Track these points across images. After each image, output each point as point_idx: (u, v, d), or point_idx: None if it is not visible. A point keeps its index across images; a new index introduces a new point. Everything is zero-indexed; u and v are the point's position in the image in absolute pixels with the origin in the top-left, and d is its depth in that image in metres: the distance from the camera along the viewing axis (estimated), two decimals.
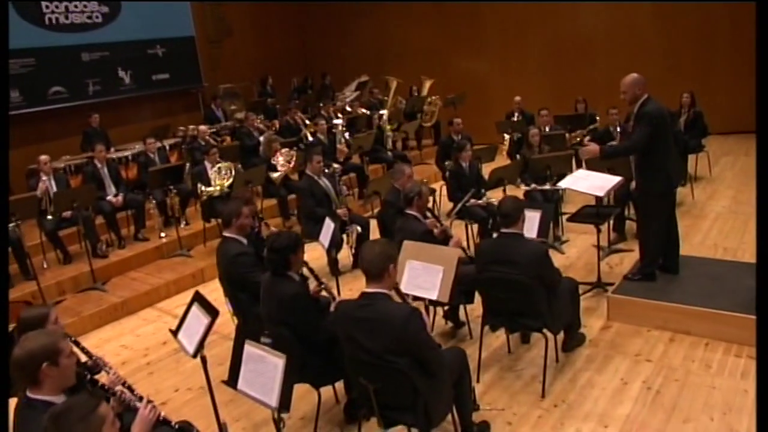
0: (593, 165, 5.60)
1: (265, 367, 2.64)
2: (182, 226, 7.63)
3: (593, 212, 5.54)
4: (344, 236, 6.19)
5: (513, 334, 4.46)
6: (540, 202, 6.08)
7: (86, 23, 10.49)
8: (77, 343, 3.03)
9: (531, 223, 4.35)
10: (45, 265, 6.75)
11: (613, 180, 5.07)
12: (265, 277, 3.55)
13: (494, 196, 6.23)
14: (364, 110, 10.96)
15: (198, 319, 3.39)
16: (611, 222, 6.28)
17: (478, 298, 4.28)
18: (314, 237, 5.36)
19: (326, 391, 3.97)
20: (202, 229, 7.48)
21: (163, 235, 7.49)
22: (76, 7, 10.35)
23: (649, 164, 4.65)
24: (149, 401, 2.50)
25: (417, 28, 13.10)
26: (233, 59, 13.14)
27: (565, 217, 6.56)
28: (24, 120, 9.45)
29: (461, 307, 4.75)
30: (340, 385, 3.84)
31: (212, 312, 3.34)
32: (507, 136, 9.14)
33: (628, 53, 10.81)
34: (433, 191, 6.76)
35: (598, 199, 5.44)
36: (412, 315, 2.81)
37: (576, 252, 6.40)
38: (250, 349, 2.74)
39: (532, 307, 3.75)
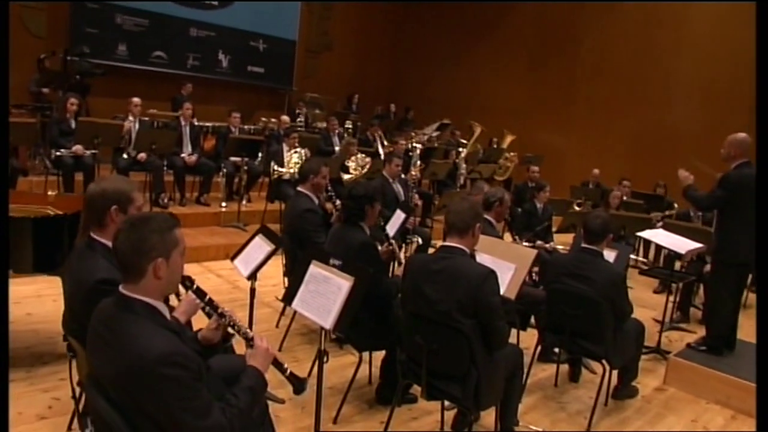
0: (674, 230, 5.39)
1: (327, 287, 2.52)
2: (244, 202, 7.68)
3: (667, 272, 5.26)
4: (403, 245, 6.08)
5: (564, 363, 4.20)
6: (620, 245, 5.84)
7: (202, 2, 11.04)
8: None
9: None
10: None
11: (694, 244, 4.84)
12: (335, 227, 3.46)
13: (561, 242, 6.06)
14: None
15: (260, 247, 3.34)
16: (677, 299, 5.99)
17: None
18: (382, 237, 5.27)
19: (361, 370, 3.81)
20: (262, 210, 7.49)
21: (224, 205, 7.55)
22: None
23: (724, 230, 4.47)
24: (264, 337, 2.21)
25: (507, 85, 13.22)
26: (326, 72, 13.49)
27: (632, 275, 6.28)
28: (122, 73, 9.89)
29: (512, 330, 4.52)
30: (375, 369, 3.69)
31: (276, 241, 3.28)
32: (577, 207, 8.96)
33: (716, 150, 10.52)
34: None
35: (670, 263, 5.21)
36: (490, 275, 2.66)
37: None
38: (315, 269, 2.63)
39: (597, 330, 3.51)
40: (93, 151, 6.34)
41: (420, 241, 6.14)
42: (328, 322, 2.43)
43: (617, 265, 4.38)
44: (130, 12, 10.01)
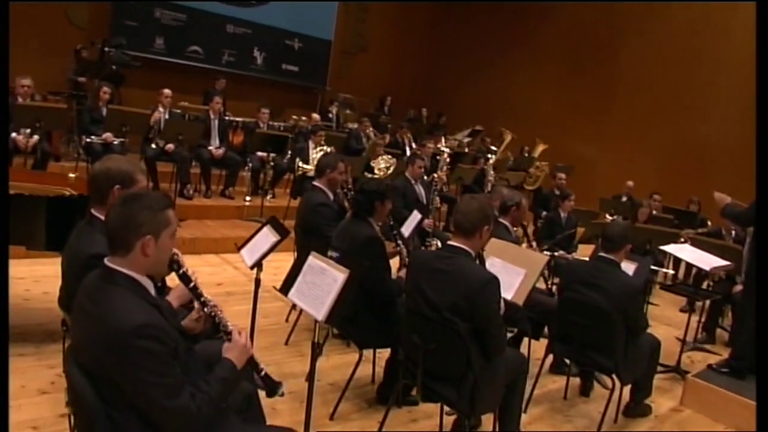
0: (702, 246, 5.20)
1: (323, 279, 2.48)
2: (268, 197, 7.72)
3: (691, 290, 5.08)
4: (423, 248, 6.02)
5: (576, 376, 4.08)
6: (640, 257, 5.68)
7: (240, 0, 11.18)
8: None
9: None
10: None
11: (721, 261, 4.65)
12: (344, 221, 3.43)
13: (585, 253, 5.92)
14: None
15: (266, 237, 3.33)
16: (703, 319, 5.78)
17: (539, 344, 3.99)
18: (391, 236, 5.23)
19: (364, 369, 3.77)
20: (285, 206, 7.51)
21: (248, 199, 7.60)
22: None
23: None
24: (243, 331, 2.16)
25: (542, 93, 13.04)
26: (360, 73, 13.53)
27: (656, 291, 6.12)
28: (158, 66, 10.10)
29: (525, 340, 4.42)
30: (379, 368, 3.64)
31: (283, 233, 3.26)
32: (609, 217, 8.75)
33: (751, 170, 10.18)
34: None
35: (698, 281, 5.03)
36: (491, 281, 2.58)
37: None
38: (313, 261, 2.59)
39: (608, 342, 3.39)
40: (122, 140, 6.46)
41: (439, 244, 6.08)
42: (320, 314, 2.40)
43: (636, 278, 4.25)
44: (169, 7, 10.23)
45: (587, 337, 3.45)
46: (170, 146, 6.84)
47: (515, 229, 4.47)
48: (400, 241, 3.56)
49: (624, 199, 9.42)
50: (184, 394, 1.71)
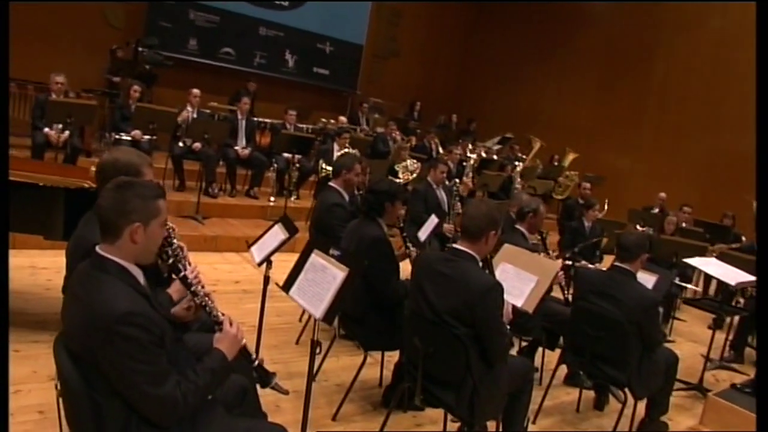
0: (730, 260, 5.04)
1: (323, 277, 2.46)
2: (292, 198, 7.76)
3: (715, 305, 4.91)
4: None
5: (589, 388, 3.98)
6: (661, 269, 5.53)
7: (273, 2, 11.36)
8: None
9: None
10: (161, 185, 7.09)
11: (747, 276, 4.49)
12: (354, 221, 3.41)
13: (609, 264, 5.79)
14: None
15: (276, 235, 3.34)
16: (731, 337, 5.58)
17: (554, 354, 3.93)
18: (412, 240, 5.19)
19: (374, 371, 3.75)
20: (309, 207, 7.54)
21: (272, 200, 7.65)
22: None
23: None
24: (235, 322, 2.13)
25: (574, 103, 12.86)
26: (391, 78, 13.55)
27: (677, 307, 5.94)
28: (191, 66, 10.29)
29: (539, 349, 4.33)
30: (388, 371, 3.61)
31: (292, 230, 3.27)
32: (639, 228, 8.55)
33: None
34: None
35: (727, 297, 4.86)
36: (494, 288, 2.52)
37: (679, 354, 5.67)
38: (315, 258, 2.58)
39: (620, 355, 3.30)
40: (151, 137, 6.59)
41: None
42: (318, 312, 2.38)
43: (656, 291, 4.13)
44: (203, 9, 10.41)
45: (599, 349, 3.36)
46: (197, 145, 6.93)
47: (533, 236, 4.39)
48: (409, 243, 3.52)
49: (656, 210, 9.21)
50: (170, 383, 1.71)
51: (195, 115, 7.23)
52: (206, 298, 2.04)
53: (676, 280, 5.78)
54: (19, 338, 3.49)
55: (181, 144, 6.97)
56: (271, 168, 7.80)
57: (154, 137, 6.63)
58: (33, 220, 3.53)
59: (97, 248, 1.80)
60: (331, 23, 12.05)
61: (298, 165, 7.65)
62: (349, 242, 3.31)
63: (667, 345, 5.81)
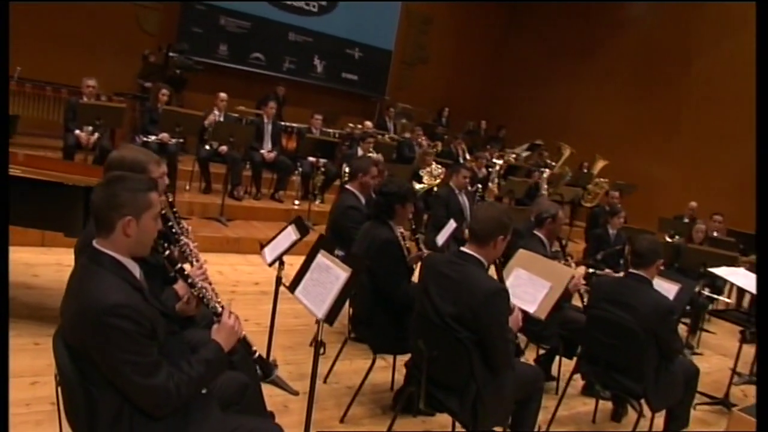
0: None
1: (327, 277, 2.47)
2: (317, 202, 7.80)
3: (743, 317, 4.76)
4: None
5: (606, 399, 3.89)
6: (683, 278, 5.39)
7: (303, 8, 11.51)
8: (172, 205, 3.06)
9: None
10: (188, 188, 7.25)
11: None
12: (366, 223, 3.41)
13: None
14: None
15: (288, 236, 3.36)
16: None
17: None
18: (434, 246, 5.17)
19: (386, 375, 3.73)
20: None
21: (297, 203, 7.71)
22: None
23: None
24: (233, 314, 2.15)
25: (607, 109, 12.63)
26: (420, 84, 13.55)
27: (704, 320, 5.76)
28: (221, 71, 10.49)
29: (557, 358, 4.25)
30: (400, 375, 3.59)
31: (304, 231, 3.28)
32: (668, 238, 8.34)
33: None
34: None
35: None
36: (499, 293, 2.48)
37: (707, 368, 5.55)
38: (321, 259, 2.59)
39: (635, 365, 3.21)
40: (179, 140, 6.71)
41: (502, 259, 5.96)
42: (321, 312, 2.38)
43: (677, 300, 4.02)
44: (234, 15, 10.60)
45: (614, 358, 3.28)
46: (223, 148, 7.03)
47: (553, 242, 4.32)
48: (422, 245, 3.50)
49: (687, 220, 8.98)
50: (161, 374, 1.73)
51: (222, 119, 7.33)
52: (204, 291, 2.06)
53: (706, 291, 5.62)
54: (41, 332, 3.57)
55: (207, 147, 7.08)
56: (296, 172, 7.86)
57: (182, 140, 6.75)
58: (57, 217, 3.63)
59: (94, 242, 1.83)
60: (361, 29, 12.13)
61: (323, 169, 7.71)
62: (361, 245, 3.30)
63: (694, 357, 5.73)
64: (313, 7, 11.57)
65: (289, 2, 11.25)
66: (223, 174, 7.31)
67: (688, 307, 5.99)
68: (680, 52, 11.71)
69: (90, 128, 6.09)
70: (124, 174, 1.93)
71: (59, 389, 1.85)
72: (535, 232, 4.25)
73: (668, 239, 8.26)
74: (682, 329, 6.07)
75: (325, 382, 3.70)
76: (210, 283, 2.62)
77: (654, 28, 12.22)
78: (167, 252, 2.03)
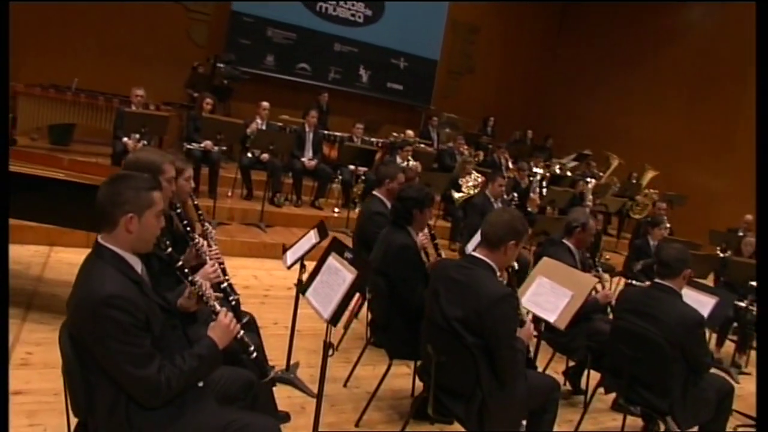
0: None
1: (336, 279, 2.49)
2: (356, 210, 7.85)
3: None
4: None
5: (637, 415, 3.75)
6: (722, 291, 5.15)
7: (348, 19, 11.68)
8: (197, 207, 3.16)
9: (700, 309, 3.63)
10: (230, 194, 7.44)
11: None
12: (385, 229, 3.42)
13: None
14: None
15: (308, 240, 3.40)
16: None
17: None
18: (460, 253, 5.15)
19: (408, 381, 3.72)
20: None
21: (336, 210, 7.80)
22: (346, 3, 11.61)
23: None
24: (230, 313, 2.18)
25: (659, 119, 12.24)
26: (466, 94, 13.50)
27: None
28: (268, 82, 10.76)
29: (586, 371, 4.14)
30: (420, 382, 3.58)
31: (323, 235, 3.32)
32: (721, 254, 7.99)
33: None
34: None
35: None
36: (506, 298, 2.45)
37: (753, 387, 5.29)
38: (331, 261, 2.62)
39: (660, 380, 3.09)
40: (222, 147, 6.91)
41: (516, 265, 5.85)
42: (326, 313, 2.41)
43: (715, 315, 3.85)
44: (281, 26, 10.86)
45: (638, 372, 3.17)
46: (265, 156, 7.19)
47: (581, 251, 4.22)
48: (441, 252, 3.49)
49: (741, 233, 8.59)
50: (152, 365, 1.80)
51: (264, 127, 7.51)
52: (201, 288, 2.11)
53: (753, 307, 5.36)
54: None
55: (249, 155, 7.26)
56: (336, 180, 7.95)
57: (224, 147, 6.95)
58: (87, 217, 3.78)
59: (98, 237, 1.92)
60: (406, 39, 12.20)
61: (363, 177, 7.76)
62: (379, 250, 3.32)
63: (742, 377, 5.46)
64: (359, 17, 11.73)
65: (334, 13, 11.45)
66: (265, 181, 7.49)
67: (734, 324, 5.75)
68: (738, 59, 11.23)
69: (137, 136, 6.34)
70: (128, 173, 2.02)
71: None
72: (564, 240, 4.17)
73: (719, 253, 7.94)
74: (728, 347, 5.81)
75: (345, 386, 3.73)
76: (223, 283, 2.70)
77: (710, 33, 11.78)
78: (169, 249, 2.10)
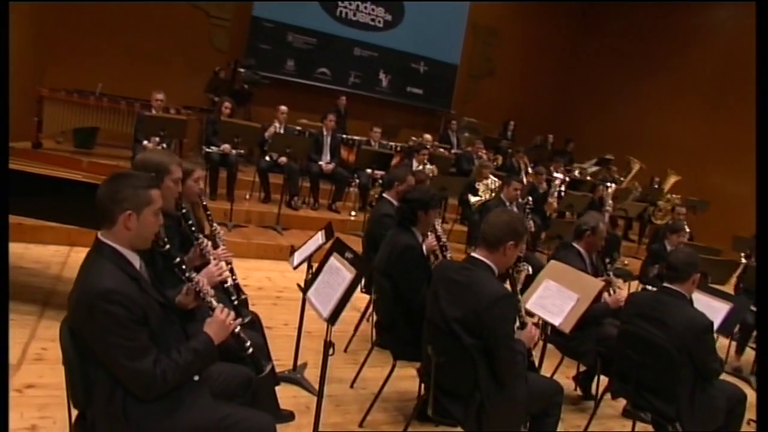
0: None
1: (335, 279, 2.53)
2: None
3: None
4: (511, 272, 5.81)
5: (647, 421, 3.70)
6: (739, 297, 5.04)
7: (368, 24, 11.78)
8: (206, 208, 3.22)
9: (713, 315, 3.58)
10: (248, 197, 7.53)
11: None
12: (391, 230, 3.44)
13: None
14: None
15: (315, 241, 3.44)
16: None
17: None
18: None
19: (414, 382, 3.72)
20: None
21: (353, 214, 7.84)
22: (365, 8, 11.71)
23: None
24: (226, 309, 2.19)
25: (683, 123, 12.05)
26: (486, 97, 13.47)
27: None
28: (288, 86, 10.87)
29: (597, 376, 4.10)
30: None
31: (329, 236, 3.36)
32: (744, 260, 7.81)
33: None
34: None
35: None
36: (505, 298, 2.45)
37: None
38: (333, 261, 2.65)
39: (667, 385, 3.05)
40: (240, 151, 7.00)
41: (530, 270, 5.82)
42: (326, 312, 2.44)
43: (728, 321, 3.78)
44: (301, 31, 11.00)
45: (645, 377, 3.13)
46: (282, 159, 7.26)
47: (591, 255, 4.18)
48: (447, 254, 3.49)
49: None
50: (148, 359, 1.84)
51: (282, 131, 7.59)
52: (198, 285, 2.16)
53: None
54: None
55: (267, 158, 7.34)
56: (354, 183, 8.00)
57: (242, 151, 7.03)
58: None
59: (98, 234, 1.98)
60: (426, 43, 12.24)
61: (380, 181, 7.78)
62: (384, 251, 3.34)
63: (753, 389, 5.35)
64: (379, 22, 11.81)
65: (354, 18, 11.54)
66: (282, 184, 7.56)
67: (755, 333, 5.63)
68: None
69: (156, 139, 6.46)
70: (128, 171, 2.08)
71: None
72: (574, 244, 4.13)
73: (743, 259, 7.78)
74: (749, 354, 5.69)
75: (351, 387, 3.74)
76: (226, 281, 2.74)
77: (734, 35, 11.56)
78: (167, 247, 2.14)
